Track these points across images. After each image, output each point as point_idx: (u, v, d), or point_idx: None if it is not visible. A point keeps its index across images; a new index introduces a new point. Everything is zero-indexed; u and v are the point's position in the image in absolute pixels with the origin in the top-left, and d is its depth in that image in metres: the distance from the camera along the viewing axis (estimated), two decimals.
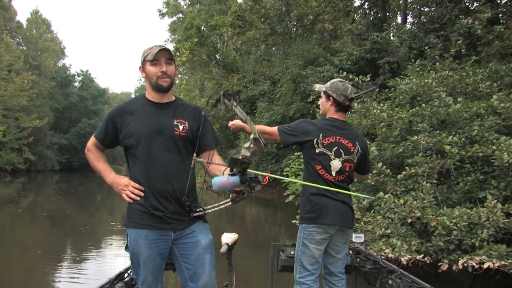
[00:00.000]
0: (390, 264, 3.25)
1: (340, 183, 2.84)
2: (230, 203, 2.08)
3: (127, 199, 2.22)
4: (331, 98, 2.92)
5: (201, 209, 2.25)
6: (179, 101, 2.40)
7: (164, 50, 2.22)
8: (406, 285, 2.89)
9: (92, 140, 2.40)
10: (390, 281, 3.06)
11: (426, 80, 6.61)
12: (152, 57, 2.20)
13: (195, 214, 2.24)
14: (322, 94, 3.02)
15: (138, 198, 2.20)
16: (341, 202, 2.80)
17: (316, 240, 2.78)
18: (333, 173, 2.81)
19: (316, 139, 2.81)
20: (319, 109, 3.15)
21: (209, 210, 2.26)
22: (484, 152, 5.02)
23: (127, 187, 2.22)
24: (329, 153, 2.81)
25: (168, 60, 2.25)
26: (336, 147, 2.83)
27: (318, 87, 3.08)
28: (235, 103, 1.86)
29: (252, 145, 1.98)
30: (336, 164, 2.82)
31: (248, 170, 1.91)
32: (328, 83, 3.00)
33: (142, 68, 2.31)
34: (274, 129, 2.91)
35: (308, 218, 2.80)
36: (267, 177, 2.00)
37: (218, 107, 1.87)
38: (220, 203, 2.19)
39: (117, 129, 2.28)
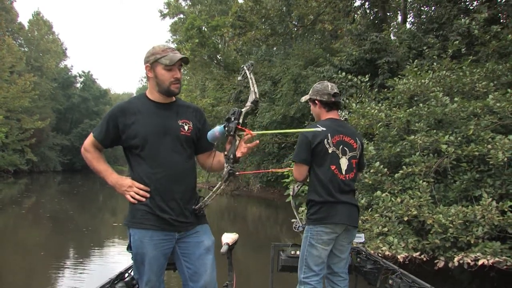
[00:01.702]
0: (391, 264, 3.26)
1: (350, 182, 2.89)
2: (223, 185, 2.19)
3: (132, 200, 2.18)
4: (316, 101, 2.98)
5: (202, 203, 2.27)
6: (179, 101, 2.39)
7: (183, 59, 2.21)
8: (407, 285, 2.88)
9: (90, 139, 2.30)
10: (390, 281, 3.05)
11: (423, 80, 6.68)
12: (171, 62, 2.17)
13: (195, 207, 2.25)
14: (309, 103, 3.08)
15: (143, 199, 2.17)
16: (348, 202, 2.84)
17: (324, 240, 2.81)
18: (343, 172, 2.85)
19: (326, 139, 2.83)
20: None
21: (208, 201, 2.28)
22: (480, 151, 5.09)
23: (131, 188, 2.18)
24: (337, 151, 2.85)
25: (180, 66, 2.25)
26: (342, 145, 2.87)
27: (303, 98, 3.14)
28: (250, 73, 2.28)
29: (248, 103, 2.21)
30: (344, 162, 2.86)
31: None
32: (310, 90, 3.07)
33: (150, 67, 2.24)
34: (295, 166, 2.94)
35: (316, 219, 2.82)
36: (247, 132, 2.11)
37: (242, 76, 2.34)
38: (214, 189, 2.25)
39: (119, 129, 2.23)
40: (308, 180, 2.99)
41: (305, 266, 2.86)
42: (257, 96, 2.22)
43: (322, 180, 2.81)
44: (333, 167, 2.82)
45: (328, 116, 2.98)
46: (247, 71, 2.29)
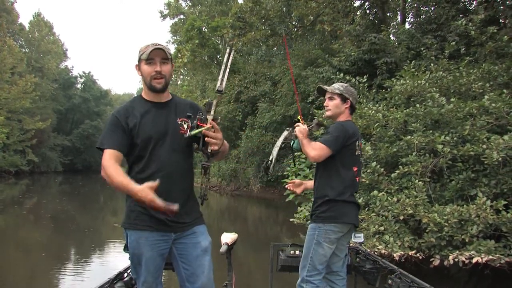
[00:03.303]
0: (390, 264, 3.29)
1: (358, 184, 3.00)
2: (204, 171, 2.23)
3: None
4: (348, 101, 2.95)
5: (201, 195, 2.27)
6: (176, 98, 2.36)
7: (158, 49, 2.14)
8: (406, 285, 2.90)
9: (108, 153, 2.09)
10: (389, 281, 3.07)
11: (419, 81, 6.74)
12: (147, 56, 2.13)
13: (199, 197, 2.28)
14: (335, 96, 2.94)
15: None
16: (355, 203, 2.93)
17: (331, 239, 2.83)
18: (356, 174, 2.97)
19: (358, 141, 2.91)
20: (318, 109, 3.24)
21: (205, 192, 2.27)
22: (475, 151, 5.16)
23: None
24: (360, 155, 2.98)
25: (164, 60, 2.17)
26: (360, 150, 2.99)
27: (330, 88, 3.01)
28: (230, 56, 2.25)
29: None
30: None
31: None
32: (340, 86, 2.98)
33: (138, 66, 2.23)
34: (319, 144, 2.84)
35: (327, 217, 2.83)
36: (205, 126, 2.09)
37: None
38: (204, 182, 2.28)
39: (126, 131, 2.16)
40: (322, 174, 2.96)
41: (309, 264, 2.85)
42: (222, 85, 2.18)
43: (344, 178, 2.84)
44: (355, 169, 2.90)
45: (347, 119, 2.99)
46: (226, 54, 2.24)
